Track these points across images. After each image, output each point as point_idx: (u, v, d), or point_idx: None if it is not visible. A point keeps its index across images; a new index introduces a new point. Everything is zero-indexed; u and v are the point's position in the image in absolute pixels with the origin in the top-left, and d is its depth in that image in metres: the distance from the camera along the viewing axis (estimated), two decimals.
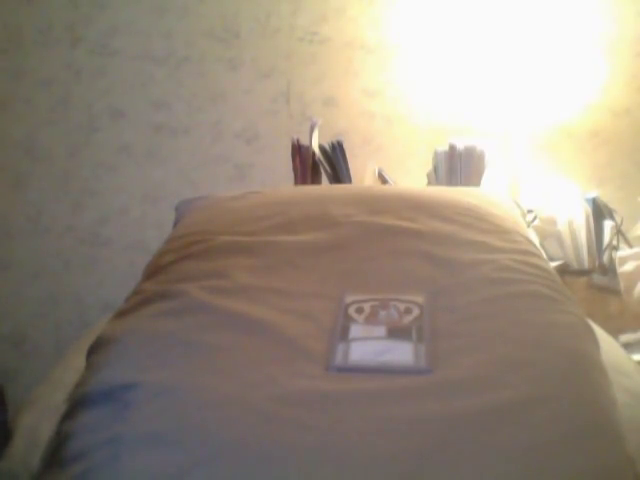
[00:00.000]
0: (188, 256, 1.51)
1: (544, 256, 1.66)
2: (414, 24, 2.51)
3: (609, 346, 1.52)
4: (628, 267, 2.16)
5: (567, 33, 2.44)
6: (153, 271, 1.50)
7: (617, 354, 1.56)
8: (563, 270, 2.18)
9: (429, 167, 2.37)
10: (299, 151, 2.25)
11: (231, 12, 2.52)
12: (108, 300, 2.55)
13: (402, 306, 1.31)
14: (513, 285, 1.38)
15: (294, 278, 1.41)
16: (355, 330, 1.26)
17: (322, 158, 2.27)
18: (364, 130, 2.57)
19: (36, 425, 1.30)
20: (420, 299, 1.33)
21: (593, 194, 2.36)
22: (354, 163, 2.29)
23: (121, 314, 1.37)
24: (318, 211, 1.64)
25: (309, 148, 2.23)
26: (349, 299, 1.34)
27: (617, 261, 2.20)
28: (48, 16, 2.51)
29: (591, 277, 2.24)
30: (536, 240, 1.88)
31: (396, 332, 1.25)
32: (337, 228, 1.56)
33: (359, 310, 1.31)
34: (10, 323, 2.68)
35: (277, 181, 2.49)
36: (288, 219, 1.61)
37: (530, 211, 2.31)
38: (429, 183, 2.37)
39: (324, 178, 2.29)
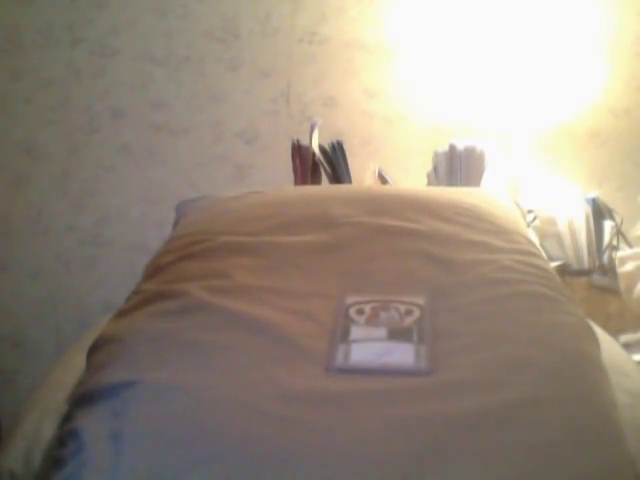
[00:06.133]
0: (188, 256, 1.51)
1: (544, 256, 1.66)
2: (414, 24, 2.51)
3: (609, 346, 1.53)
4: (628, 267, 2.16)
5: (567, 33, 2.44)
6: (153, 271, 1.50)
7: (617, 354, 1.56)
8: (563, 270, 2.18)
9: (429, 167, 2.38)
10: (299, 151, 2.25)
11: (231, 12, 2.52)
12: (108, 300, 2.55)
13: (403, 307, 1.31)
14: (513, 285, 1.38)
15: (295, 278, 1.42)
16: (356, 331, 1.26)
17: (322, 158, 2.27)
18: (364, 130, 2.57)
19: (37, 425, 1.30)
20: (421, 300, 1.33)
21: (593, 194, 2.36)
22: (354, 163, 2.29)
23: (121, 314, 1.37)
24: (318, 211, 1.64)
25: (309, 148, 2.23)
26: (350, 300, 1.34)
27: (617, 261, 2.20)
28: (48, 16, 2.51)
29: (591, 277, 2.24)
30: (536, 240, 1.88)
31: (397, 333, 1.25)
32: (337, 228, 1.56)
33: (360, 311, 1.31)
34: (10, 323, 2.68)
35: (277, 181, 2.49)
36: (288, 219, 1.61)
37: (530, 211, 2.31)
38: (429, 183, 2.37)
39: (324, 178, 2.29)
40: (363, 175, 2.37)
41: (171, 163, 2.61)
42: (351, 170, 2.27)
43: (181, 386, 1.14)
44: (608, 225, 2.29)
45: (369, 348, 1.23)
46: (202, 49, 2.54)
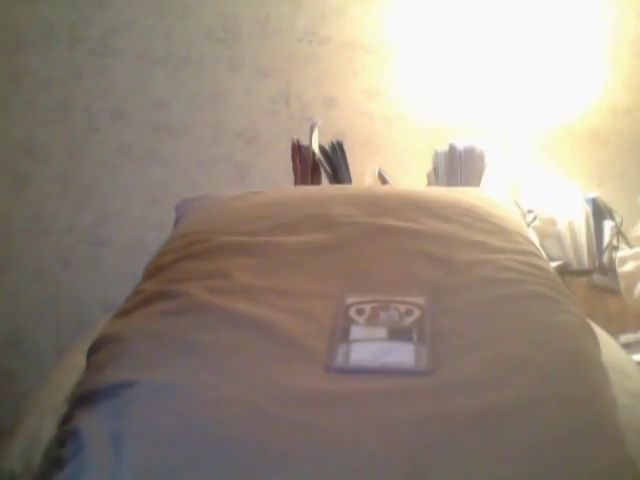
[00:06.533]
0: (188, 256, 1.51)
1: (544, 256, 1.66)
2: (414, 24, 2.51)
3: (609, 346, 1.53)
4: (628, 267, 2.16)
5: (567, 33, 2.44)
6: (153, 271, 1.50)
7: (617, 354, 1.56)
8: (563, 270, 2.18)
9: (429, 167, 2.37)
10: (299, 151, 2.25)
11: (231, 12, 2.52)
12: (108, 300, 2.54)
13: (403, 307, 1.31)
14: (514, 285, 1.38)
15: (295, 278, 1.42)
16: (356, 331, 1.26)
17: (322, 158, 2.27)
18: (364, 130, 2.57)
19: (37, 425, 1.30)
20: (421, 300, 1.33)
21: (593, 194, 2.36)
22: (354, 163, 2.29)
23: (121, 314, 1.37)
24: (318, 211, 1.64)
25: (309, 148, 2.23)
26: (350, 300, 1.34)
27: (617, 261, 2.20)
28: (48, 16, 2.51)
29: (591, 277, 2.24)
30: (536, 240, 1.88)
31: (397, 333, 1.25)
32: (337, 228, 1.56)
33: (360, 311, 1.31)
34: (10, 323, 2.68)
35: (277, 181, 2.49)
36: (289, 219, 1.61)
37: (530, 211, 2.31)
38: (429, 183, 2.37)
39: (324, 178, 2.29)
40: (363, 175, 2.37)
41: (171, 163, 2.61)
42: (351, 170, 2.26)
43: (181, 386, 1.14)
44: (608, 225, 2.29)
45: (369, 348, 1.23)
46: (202, 49, 2.54)
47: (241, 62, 2.55)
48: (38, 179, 2.61)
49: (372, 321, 1.28)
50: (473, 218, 1.62)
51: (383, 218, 1.59)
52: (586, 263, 2.25)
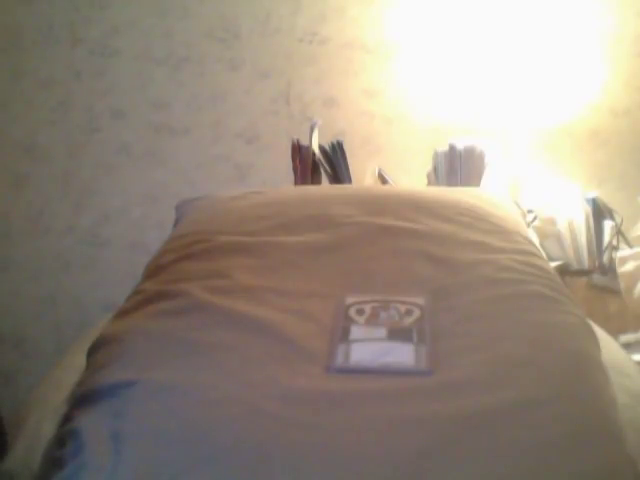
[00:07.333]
0: (188, 256, 1.51)
1: (544, 256, 1.66)
2: (414, 24, 2.51)
3: (609, 346, 1.53)
4: (628, 267, 2.16)
5: (567, 33, 2.44)
6: (153, 271, 1.50)
7: (617, 354, 1.56)
8: (563, 270, 2.18)
9: (429, 167, 2.37)
10: (299, 151, 2.25)
11: (231, 12, 2.52)
12: (108, 300, 2.54)
13: (403, 307, 1.31)
14: (514, 285, 1.38)
15: (295, 278, 1.42)
16: (356, 331, 1.26)
17: (322, 158, 2.27)
18: (364, 130, 2.57)
19: (37, 425, 1.30)
20: (421, 300, 1.33)
21: (593, 194, 2.36)
22: (354, 163, 2.29)
23: (121, 314, 1.37)
24: (319, 211, 1.64)
25: (309, 148, 2.23)
26: (350, 300, 1.34)
27: (617, 261, 2.20)
28: (48, 16, 2.51)
29: (591, 277, 2.24)
30: (536, 240, 1.88)
31: (397, 333, 1.25)
32: (338, 228, 1.56)
33: (360, 311, 1.31)
34: (10, 323, 2.68)
35: (277, 181, 2.49)
36: (289, 219, 1.61)
37: (530, 211, 2.31)
38: (429, 183, 2.37)
39: (324, 178, 2.29)
40: (363, 175, 2.37)
41: (171, 163, 2.61)
42: (351, 170, 2.27)
43: (181, 386, 1.14)
44: (608, 225, 2.29)
45: (369, 348, 1.23)
46: (202, 49, 2.54)
47: (241, 62, 2.55)
48: (38, 179, 2.61)
49: (372, 321, 1.28)
50: (473, 218, 1.62)
51: (383, 218, 1.59)
52: (586, 263, 2.25)
